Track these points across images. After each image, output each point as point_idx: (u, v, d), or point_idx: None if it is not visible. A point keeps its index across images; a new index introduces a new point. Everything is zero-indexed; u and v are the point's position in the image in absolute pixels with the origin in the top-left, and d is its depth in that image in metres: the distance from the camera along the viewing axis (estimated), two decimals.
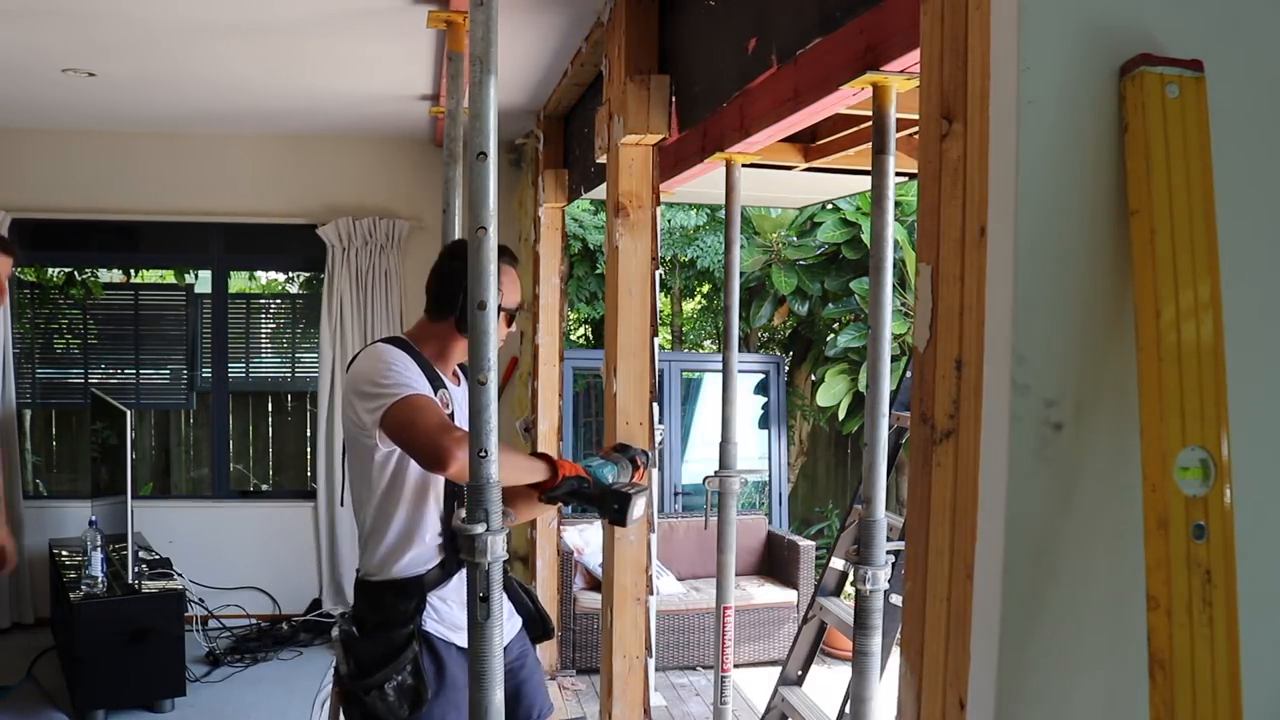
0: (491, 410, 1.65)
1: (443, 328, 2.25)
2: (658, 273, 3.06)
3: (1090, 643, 1.07)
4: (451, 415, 2.16)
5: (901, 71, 1.78)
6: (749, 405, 6.99)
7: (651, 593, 3.15)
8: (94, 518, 4.57)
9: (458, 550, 2.11)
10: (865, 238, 6.57)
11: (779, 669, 3.51)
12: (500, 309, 2.17)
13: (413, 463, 2.11)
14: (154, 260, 7.00)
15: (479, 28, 1.63)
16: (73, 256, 6.05)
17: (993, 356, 1.07)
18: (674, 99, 2.90)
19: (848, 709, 2.43)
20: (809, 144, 3.66)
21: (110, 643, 4.09)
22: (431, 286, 2.29)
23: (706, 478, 3.21)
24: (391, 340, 2.25)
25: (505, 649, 2.30)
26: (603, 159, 3.25)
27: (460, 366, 2.33)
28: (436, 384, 2.18)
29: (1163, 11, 1.06)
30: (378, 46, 3.68)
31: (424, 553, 2.18)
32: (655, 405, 3.09)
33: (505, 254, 2.22)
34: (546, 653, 4.89)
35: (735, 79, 2.42)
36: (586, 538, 5.27)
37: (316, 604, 5.53)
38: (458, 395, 2.24)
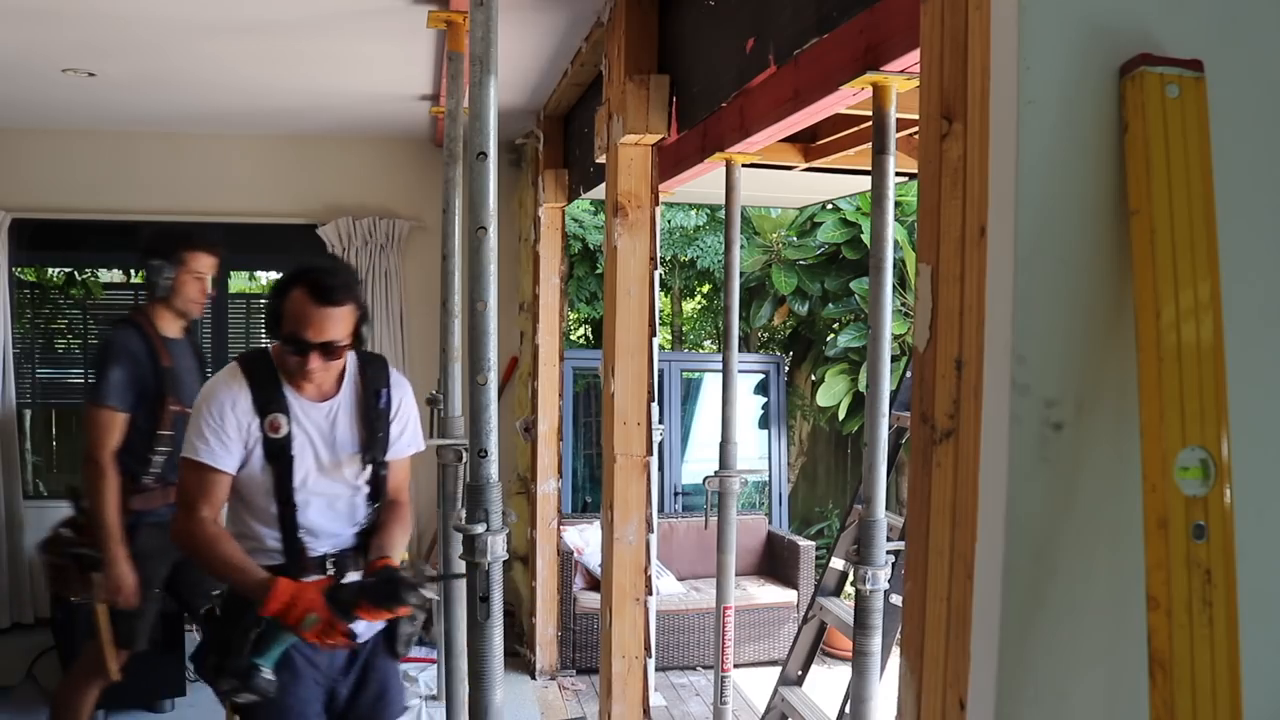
0: (491, 410, 1.65)
1: None
2: (657, 273, 3.06)
3: (1090, 643, 1.07)
4: (287, 436, 2.21)
5: (901, 71, 1.78)
6: (749, 405, 6.99)
7: (650, 593, 3.15)
8: None
9: (299, 556, 2.22)
10: (865, 238, 6.57)
11: (779, 669, 3.51)
12: (292, 337, 2.16)
13: (243, 477, 2.21)
14: None
15: (479, 28, 1.63)
16: (73, 256, 6.05)
17: (993, 356, 1.07)
18: (674, 99, 2.90)
19: (848, 709, 2.43)
20: (809, 144, 3.67)
21: None
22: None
23: (706, 478, 3.22)
24: (249, 358, 2.30)
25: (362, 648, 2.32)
26: (602, 159, 3.25)
27: (372, 373, 2.36)
28: (268, 408, 2.21)
29: (1163, 11, 1.06)
30: (378, 46, 3.68)
31: (262, 556, 2.22)
32: (654, 405, 3.09)
33: (321, 292, 2.17)
34: (547, 652, 4.89)
35: (734, 79, 2.42)
36: (586, 537, 5.27)
37: None
38: (310, 412, 2.26)
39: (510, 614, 5.22)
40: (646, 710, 3.20)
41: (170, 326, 3.23)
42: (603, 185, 3.50)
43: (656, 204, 3.05)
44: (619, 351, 3.03)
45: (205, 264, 3.21)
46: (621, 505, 3.08)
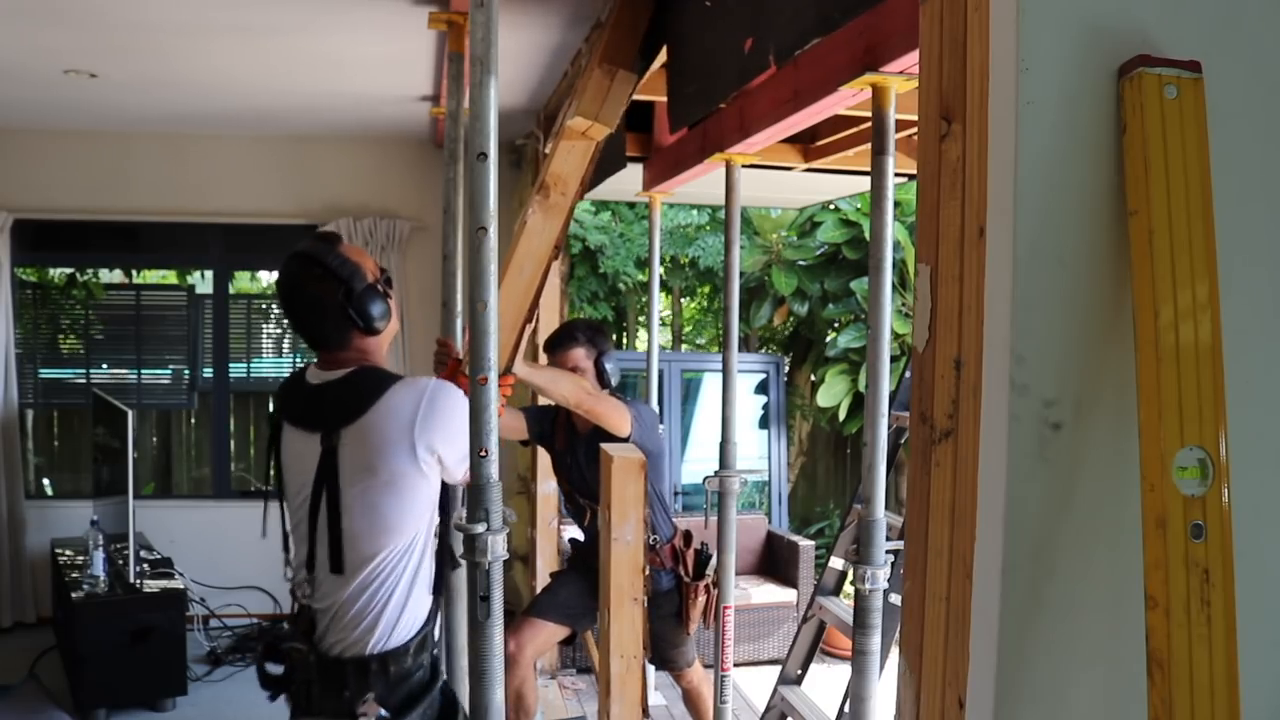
0: (492, 410, 1.65)
1: (369, 342, 2.01)
2: (556, 263, 3.01)
3: (1089, 642, 1.07)
4: None
5: (901, 72, 1.78)
6: (749, 405, 6.99)
7: (648, 593, 3.14)
8: (95, 517, 4.57)
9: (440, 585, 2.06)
10: (865, 237, 6.56)
11: (779, 668, 3.51)
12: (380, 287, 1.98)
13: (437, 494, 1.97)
14: (155, 261, 7.01)
15: (479, 29, 1.63)
16: (74, 257, 6.05)
17: (992, 356, 1.07)
18: (668, 98, 2.89)
19: (847, 708, 2.43)
20: (809, 144, 3.67)
21: (112, 642, 4.09)
22: (328, 316, 1.96)
23: (706, 478, 3.22)
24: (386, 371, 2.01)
25: None
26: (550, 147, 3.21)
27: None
28: None
29: (1161, 12, 1.06)
30: (378, 47, 3.68)
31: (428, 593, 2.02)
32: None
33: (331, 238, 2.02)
34: (546, 652, 4.89)
35: (734, 79, 2.42)
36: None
37: None
38: None
39: (510, 614, 5.20)
40: (645, 710, 3.19)
41: None
42: (603, 185, 3.48)
43: (579, 198, 2.97)
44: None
45: None
46: (619, 505, 3.07)
